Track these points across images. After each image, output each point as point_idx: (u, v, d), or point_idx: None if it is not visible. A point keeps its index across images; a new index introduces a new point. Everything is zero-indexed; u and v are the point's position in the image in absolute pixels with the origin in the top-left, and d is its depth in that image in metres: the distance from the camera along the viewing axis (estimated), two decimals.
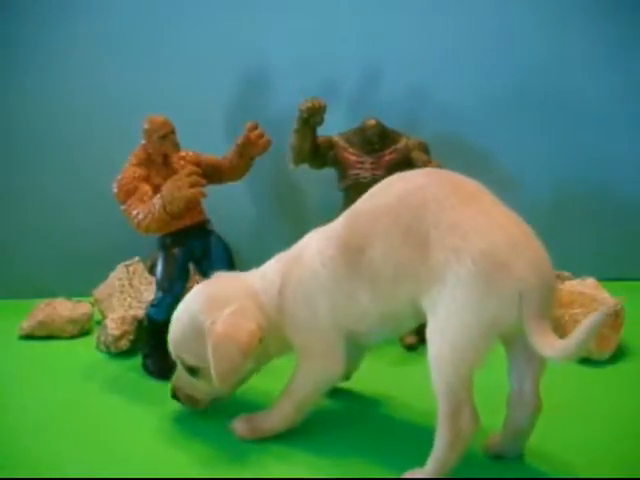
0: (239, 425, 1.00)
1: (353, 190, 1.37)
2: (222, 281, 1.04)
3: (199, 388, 1.01)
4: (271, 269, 1.02)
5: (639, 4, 1.59)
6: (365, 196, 0.95)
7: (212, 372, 0.92)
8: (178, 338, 0.99)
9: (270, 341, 0.98)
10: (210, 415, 1.06)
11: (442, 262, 0.81)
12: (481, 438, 0.94)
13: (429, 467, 0.85)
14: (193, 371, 0.99)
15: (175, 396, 1.03)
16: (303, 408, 0.99)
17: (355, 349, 1.03)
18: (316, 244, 0.96)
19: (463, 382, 0.83)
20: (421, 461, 0.92)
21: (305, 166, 1.40)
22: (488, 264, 0.79)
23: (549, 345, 0.78)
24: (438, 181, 0.88)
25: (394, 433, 1.00)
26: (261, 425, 0.99)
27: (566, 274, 1.42)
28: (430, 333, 0.84)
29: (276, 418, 0.99)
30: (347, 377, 1.11)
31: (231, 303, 0.96)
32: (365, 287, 0.90)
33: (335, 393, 1.13)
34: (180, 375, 1.02)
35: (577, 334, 0.75)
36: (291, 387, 0.99)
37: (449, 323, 0.81)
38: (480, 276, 0.79)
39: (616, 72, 1.64)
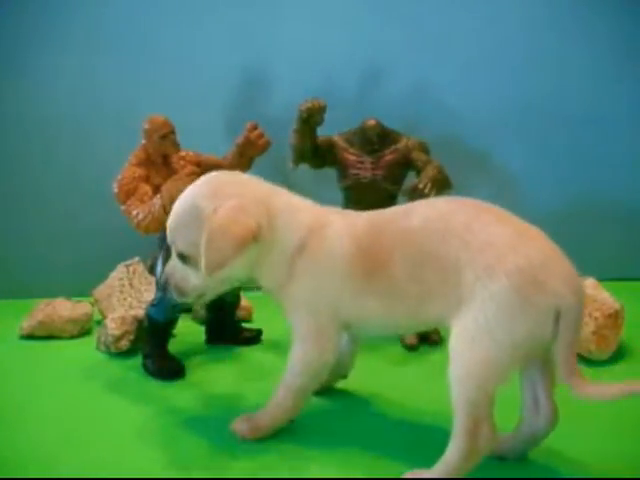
0: (239, 426, 1.00)
1: (353, 190, 1.37)
2: (237, 177, 1.00)
3: (188, 279, 0.97)
4: (301, 206, 1.01)
5: None
6: (389, 214, 0.97)
7: (202, 260, 0.90)
8: (176, 222, 0.96)
9: (260, 256, 0.94)
10: (210, 415, 1.07)
11: (472, 281, 0.83)
12: None
13: (439, 468, 0.86)
14: (184, 258, 0.96)
15: (165, 284, 1.00)
16: (301, 397, 0.99)
17: (349, 344, 1.05)
18: (341, 231, 0.95)
19: (487, 399, 0.83)
20: (421, 460, 0.92)
21: (305, 166, 1.40)
22: (524, 280, 0.80)
23: (580, 385, 0.80)
24: (462, 207, 0.90)
25: (394, 432, 1.00)
26: (262, 422, 0.99)
27: None
28: (456, 348, 0.84)
29: (276, 412, 0.99)
30: (344, 376, 1.11)
31: (236, 197, 0.93)
32: (376, 298, 0.93)
33: (336, 392, 1.13)
34: (172, 263, 0.99)
35: (613, 390, 0.79)
36: (287, 377, 0.98)
37: (479, 339, 0.81)
38: (515, 292, 0.80)
39: (617, 75, 1.64)
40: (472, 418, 0.82)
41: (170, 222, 0.97)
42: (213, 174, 0.97)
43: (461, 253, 0.84)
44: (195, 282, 0.96)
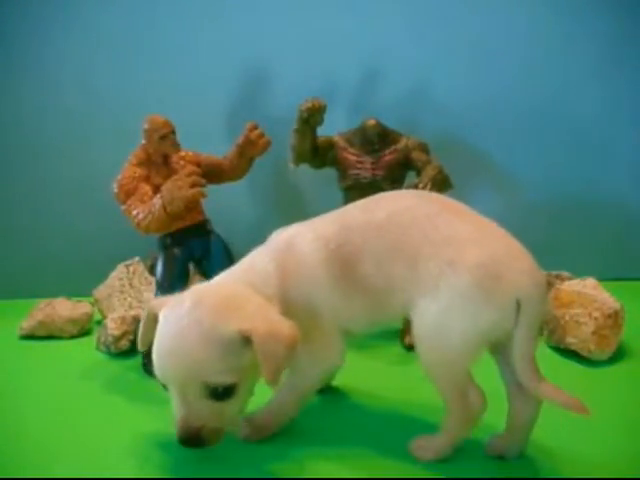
0: (245, 429, 0.99)
1: (353, 190, 1.37)
2: (211, 288, 0.93)
3: (226, 414, 0.86)
4: (258, 260, 0.96)
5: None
6: (356, 210, 0.97)
7: (264, 374, 0.83)
8: (202, 361, 0.82)
9: None
10: None
11: (436, 274, 0.86)
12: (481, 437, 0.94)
13: (442, 440, 0.91)
14: (224, 393, 0.84)
15: (196, 439, 0.85)
16: (305, 399, 0.99)
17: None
18: (308, 240, 0.94)
19: (463, 374, 0.88)
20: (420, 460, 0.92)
21: (305, 166, 1.40)
22: (485, 273, 0.83)
23: (533, 380, 0.85)
24: (427, 201, 0.94)
25: (394, 432, 1.00)
26: (264, 422, 0.99)
27: (566, 274, 1.42)
28: (421, 339, 0.88)
29: (279, 412, 0.99)
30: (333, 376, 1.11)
31: (243, 303, 0.87)
32: (358, 295, 0.93)
33: (335, 392, 1.13)
34: (199, 409, 0.84)
35: (562, 397, 0.84)
36: (294, 379, 0.98)
37: (443, 331, 0.85)
38: (477, 285, 0.83)
39: (617, 75, 1.64)
40: (456, 391, 0.88)
41: (191, 368, 0.83)
42: (189, 302, 0.86)
43: (424, 247, 0.88)
44: (232, 412, 0.87)
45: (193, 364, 0.82)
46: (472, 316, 0.84)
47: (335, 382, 1.16)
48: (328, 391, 1.13)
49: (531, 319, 0.83)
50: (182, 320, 0.84)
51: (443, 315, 0.85)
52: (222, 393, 0.84)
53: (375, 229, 0.92)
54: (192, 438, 0.85)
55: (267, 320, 0.85)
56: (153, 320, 0.89)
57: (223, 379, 0.83)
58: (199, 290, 0.90)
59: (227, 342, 0.83)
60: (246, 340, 0.83)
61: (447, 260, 0.86)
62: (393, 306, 0.93)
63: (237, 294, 0.89)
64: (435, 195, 0.98)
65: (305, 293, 0.93)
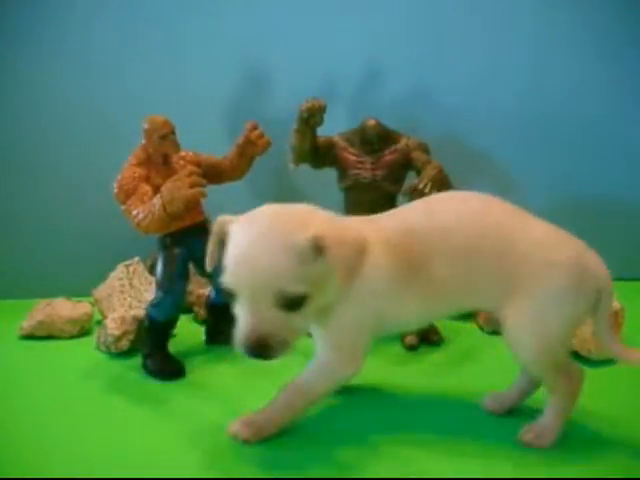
0: (239, 428, 0.98)
1: (353, 190, 1.37)
2: (282, 205, 0.94)
3: (294, 326, 0.87)
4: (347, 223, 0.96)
5: None
6: (415, 214, 0.97)
7: (338, 277, 0.85)
8: (277, 268, 0.83)
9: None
10: (210, 415, 1.07)
11: (531, 274, 0.92)
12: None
13: (554, 420, 0.95)
14: (295, 303, 0.85)
15: (264, 347, 0.86)
16: (313, 403, 0.99)
17: None
18: (374, 246, 0.93)
19: (563, 359, 0.96)
20: (421, 460, 0.92)
21: (305, 166, 1.40)
22: (577, 270, 0.92)
23: (616, 347, 0.96)
24: (489, 203, 0.97)
25: (394, 432, 1.00)
26: (265, 423, 0.98)
27: None
28: (521, 334, 0.93)
29: (284, 415, 0.98)
30: None
31: (313, 215, 0.90)
32: (416, 300, 0.95)
33: (335, 391, 1.13)
34: (270, 318, 0.85)
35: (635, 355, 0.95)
36: (307, 384, 0.98)
37: (544, 324, 0.92)
38: (571, 281, 0.92)
39: (619, 75, 1.64)
40: (560, 372, 0.95)
41: (268, 275, 0.83)
42: (266, 213, 0.90)
43: (510, 249, 0.93)
44: (299, 326, 0.88)
45: (268, 271, 0.83)
46: (568, 307, 0.92)
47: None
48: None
49: (608, 303, 0.94)
50: (258, 229, 0.87)
51: (542, 309, 0.91)
52: (292, 303, 0.85)
53: (444, 232, 0.94)
54: (261, 346, 0.85)
55: (336, 227, 0.88)
56: (221, 235, 0.91)
57: (295, 288, 0.84)
58: (270, 206, 0.92)
59: (301, 249, 0.84)
60: (318, 249, 0.84)
61: (541, 260, 0.92)
62: (462, 306, 0.99)
63: (307, 209, 0.92)
64: (487, 196, 0.99)
65: (361, 297, 0.93)
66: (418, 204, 1.01)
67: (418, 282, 0.94)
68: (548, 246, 0.93)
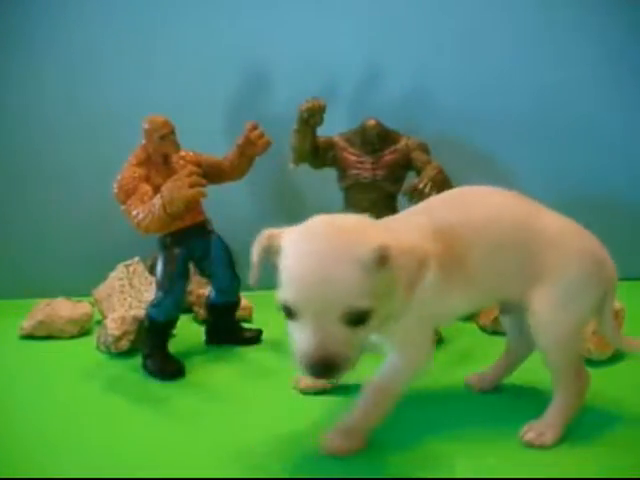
0: (339, 442, 0.94)
1: (353, 190, 1.37)
2: (335, 216, 0.90)
3: (357, 343, 0.82)
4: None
5: None
6: (442, 211, 0.97)
7: (403, 288, 0.82)
8: (343, 282, 0.79)
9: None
10: (210, 415, 1.07)
11: (557, 265, 0.95)
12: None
13: (558, 418, 0.97)
14: (360, 319, 0.81)
15: (331, 366, 0.80)
16: (397, 400, 0.97)
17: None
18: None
19: (578, 351, 1.01)
20: (422, 458, 0.92)
21: (305, 166, 1.40)
22: (595, 261, 0.97)
23: (618, 336, 1.04)
24: (514, 198, 1.02)
25: (394, 432, 1.00)
26: (356, 429, 0.95)
27: None
28: (544, 322, 0.96)
29: (373, 418, 0.96)
30: None
31: (372, 225, 0.87)
32: (457, 294, 0.96)
33: (336, 391, 1.13)
34: (334, 336, 0.80)
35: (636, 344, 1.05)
36: (389, 382, 0.96)
37: (566, 313, 0.95)
38: (590, 271, 0.97)
39: (620, 73, 1.64)
40: (573, 366, 0.98)
41: (337, 292, 0.79)
42: (324, 224, 0.86)
43: (540, 241, 0.96)
44: (362, 342, 0.84)
45: (337, 286, 0.79)
46: (587, 293, 0.97)
47: (342, 381, 1.16)
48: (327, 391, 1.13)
49: (614, 295, 1.00)
50: (321, 242, 0.81)
51: (565, 294, 0.95)
52: (358, 319, 0.81)
53: (480, 226, 0.95)
54: (327, 366, 0.80)
55: (398, 238, 0.84)
56: (269, 249, 0.87)
57: (362, 302, 0.80)
58: (324, 217, 0.88)
59: (366, 261, 0.79)
60: (382, 259, 0.80)
61: (566, 248, 0.96)
62: (495, 296, 1.02)
63: (359, 218, 0.88)
64: (510, 191, 1.03)
65: (421, 297, 0.90)
66: (445, 200, 1.01)
67: (459, 276, 0.95)
68: (571, 235, 0.98)
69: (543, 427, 0.96)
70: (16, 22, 1.57)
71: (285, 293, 0.81)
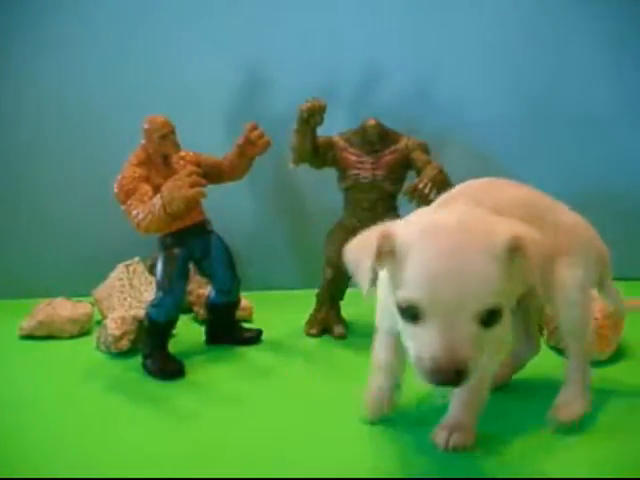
0: (456, 438, 0.93)
1: (353, 190, 1.37)
2: (457, 209, 0.85)
3: (486, 345, 0.77)
4: None
5: None
6: (487, 196, 0.94)
7: (536, 277, 0.78)
8: (488, 278, 0.74)
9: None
10: (210, 415, 1.07)
11: (575, 249, 1.00)
12: None
13: (583, 401, 1.00)
14: (492, 319, 0.76)
15: (460, 373, 0.73)
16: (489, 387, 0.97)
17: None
18: None
19: (590, 325, 1.06)
20: (423, 459, 0.92)
21: (305, 166, 1.40)
22: (597, 246, 1.03)
23: (626, 303, 1.12)
24: (530, 191, 1.04)
25: (394, 432, 1.00)
26: (468, 421, 0.94)
27: None
28: (569, 304, 0.99)
29: (479, 404, 0.94)
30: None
31: (492, 216, 0.82)
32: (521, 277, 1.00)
33: (335, 391, 1.13)
34: (467, 338, 0.74)
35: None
36: (484, 367, 0.93)
37: (583, 292, 1.00)
38: (597, 259, 1.03)
39: (621, 71, 1.64)
40: (586, 340, 1.03)
41: (468, 285, 0.73)
42: (448, 216, 0.80)
43: (558, 225, 0.99)
44: (491, 344, 0.80)
45: (470, 281, 0.73)
46: (591, 274, 1.02)
47: (335, 381, 1.17)
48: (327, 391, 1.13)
49: (610, 271, 1.07)
50: (450, 237, 0.75)
51: (584, 281, 1.00)
52: (489, 318, 0.75)
53: (519, 213, 0.92)
54: (458, 372, 0.73)
55: (517, 227, 0.80)
56: (386, 249, 0.78)
57: (496, 299, 0.75)
58: (441, 210, 0.86)
59: (500, 253, 0.75)
60: (516, 250, 0.76)
61: (581, 233, 1.02)
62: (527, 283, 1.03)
63: (474, 209, 0.84)
64: (520, 183, 1.04)
65: None
66: (478, 190, 0.98)
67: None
68: (580, 223, 1.03)
69: (567, 400, 1.00)
70: (7, 23, 1.57)
71: (411, 292, 0.75)
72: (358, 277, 0.80)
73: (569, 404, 0.99)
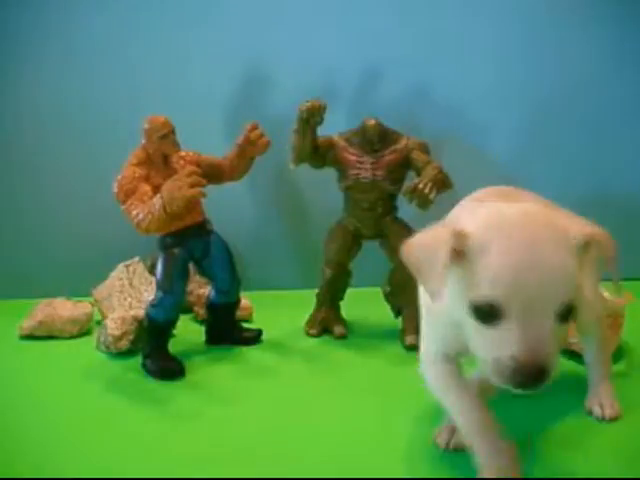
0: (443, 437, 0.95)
1: (353, 190, 1.37)
2: (529, 203, 0.84)
3: (560, 342, 0.75)
4: None
5: None
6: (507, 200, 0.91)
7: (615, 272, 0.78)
8: (569, 273, 0.72)
9: None
10: (210, 415, 1.07)
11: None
12: None
13: (608, 387, 1.06)
14: (568, 313, 0.73)
15: (543, 374, 0.70)
16: None
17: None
18: None
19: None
20: (423, 459, 0.92)
21: (305, 166, 1.40)
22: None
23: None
24: (536, 197, 1.01)
25: (394, 432, 1.00)
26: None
27: None
28: (588, 303, 0.96)
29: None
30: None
31: (559, 212, 0.80)
32: None
33: (335, 391, 1.13)
34: (548, 337, 0.71)
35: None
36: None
37: (597, 293, 1.04)
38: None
39: (619, 73, 1.64)
40: (604, 334, 1.08)
41: (554, 284, 0.71)
42: (519, 211, 0.77)
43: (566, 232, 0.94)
44: (564, 340, 0.88)
45: (553, 277, 0.71)
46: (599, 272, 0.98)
47: (335, 381, 1.16)
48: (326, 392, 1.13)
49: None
50: (529, 233, 0.72)
51: (595, 281, 0.97)
52: (566, 314, 0.72)
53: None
54: (541, 370, 0.69)
55: (581, 222, 0.78)
56: (459, 248, 0.74)
57: (573, 295, 0.72)
58: (502, 205, 0.80)
59: (577, 249, 0.74)
60: (590, 246, 0.75)
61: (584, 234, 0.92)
62: None
63: (539, 204, 0.83)
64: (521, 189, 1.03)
65: None
66: (496, 196, 0.95)
67: None
68: (584, 223, 1.01)
69: (599, 398, 1.05)
70: (7, 22, 1.57)
71: (491, 290, 0.71)
72: (428, 279, 0.75)
73: (606, 400, 1.04)
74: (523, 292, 0.70)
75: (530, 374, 0.69)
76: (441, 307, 0.78)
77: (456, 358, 0.90)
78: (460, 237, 0.73)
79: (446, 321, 0.81)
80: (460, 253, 0.73)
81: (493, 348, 0.72)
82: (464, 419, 0.87)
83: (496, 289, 0.70)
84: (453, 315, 0.77)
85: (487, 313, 0.71)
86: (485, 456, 0.84)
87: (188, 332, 1.41)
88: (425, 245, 0.76)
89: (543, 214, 0.76)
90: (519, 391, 0.71)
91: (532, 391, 0.71)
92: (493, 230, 0.73)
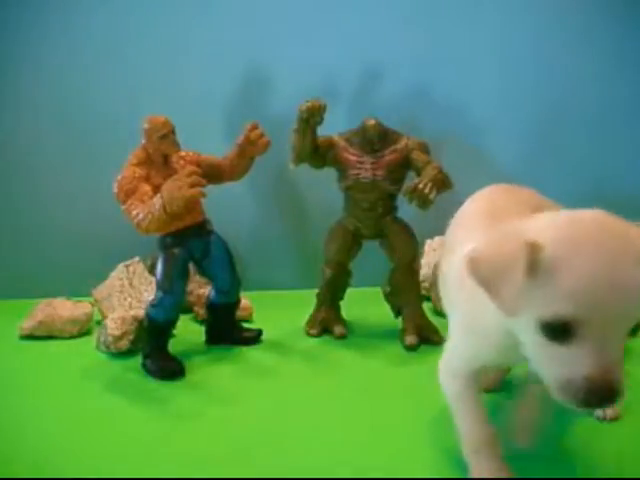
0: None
1: (353, 190, 1.37)
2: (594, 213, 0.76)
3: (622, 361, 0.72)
4: None
5: None
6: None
7: None
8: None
9: None
10: (210, 415, 1.07)
11: None
12: None
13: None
14: (633, 331, 0.71)
15: (615, 392, 0.67)
16: None
17: None
18: None
19: None
20: (424, 459, 0.92)
21: (305, 166, 1.40)
22: None
23: None
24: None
25: (394, 433, 1.00)
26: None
27: None
28: None
29: None
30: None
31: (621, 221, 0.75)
32: None
33: (335, 391, 1.13)
34: (618, 354, 0.68)
35: None
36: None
37: None
38: None
39: (621, 74, 1.64)
40: None
41: (626, 300, 0.67)
42: (589, 221, 0.72)
43: None
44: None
45: (632, 293, 0.66)
46: None
47: (335, 381, 1.16)
48: (326, 392, 1.13)
49: None
50: (605, 246, 0.68)
51: None
52: (633, 330, 0.70)
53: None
54: (615, 389, 0.67)
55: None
56: (533, 262, 0.68)
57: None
58: (572, 212, 0.75)
59: None
60: None
61: None
62: None
63: (600, 212, 0.76)
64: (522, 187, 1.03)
65: None
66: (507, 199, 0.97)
67: None
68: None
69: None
70: (7, 23, 1.57)
71: (567, 307, 0.67)
72: (503, 295, 0.70)
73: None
74: (602, 312, 0.66)
75: (604, 396, 0.67)
76: (491, 318, 0.75)
77: (478, 373, 0.88)
78: (534, 249, 0.68)
79: (495, 331, 0.78)
80: (532, 266, 0.68)
81: (563, 367, 0.68)
82: (468, 437, 0.87)
83: (573, 307, 0.66)
84: (507, 325, 0.74)
85: (559, 331, 0.67)
86: (479, 475, 0.85)
87: (188, 332, 1.41)
88: (497, 259, 0.71)
89: (614, 223, 0.71)
90: (582, 409, 0.69)
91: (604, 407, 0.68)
92: (568, 242, 0.69)
